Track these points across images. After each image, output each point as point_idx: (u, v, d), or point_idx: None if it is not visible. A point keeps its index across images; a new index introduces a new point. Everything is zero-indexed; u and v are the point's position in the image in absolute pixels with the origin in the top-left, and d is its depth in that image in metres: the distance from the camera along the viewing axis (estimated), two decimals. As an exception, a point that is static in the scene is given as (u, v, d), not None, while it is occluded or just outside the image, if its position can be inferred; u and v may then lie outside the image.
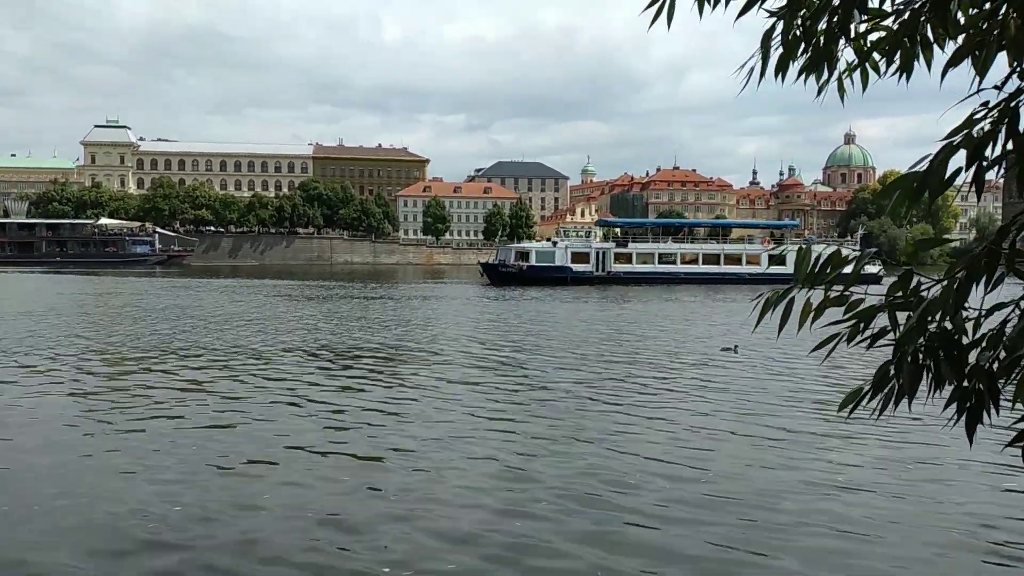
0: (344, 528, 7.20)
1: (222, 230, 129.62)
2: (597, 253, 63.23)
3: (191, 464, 9.20)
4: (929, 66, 2.63)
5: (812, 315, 2.61)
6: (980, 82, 2.42)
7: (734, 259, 65.43)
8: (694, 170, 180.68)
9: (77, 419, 11.59)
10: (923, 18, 2.54)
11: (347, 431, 10.91)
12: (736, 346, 19.21)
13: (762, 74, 2.81)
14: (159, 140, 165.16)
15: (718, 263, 64.83)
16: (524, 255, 62.86)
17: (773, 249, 66.46)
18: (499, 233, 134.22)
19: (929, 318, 2.42)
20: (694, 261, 64.88)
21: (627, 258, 63.86)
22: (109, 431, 10.84)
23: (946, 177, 2.31)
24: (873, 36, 2.71)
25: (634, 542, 6.87)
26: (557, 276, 59.65)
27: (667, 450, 9.91)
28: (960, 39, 2.54)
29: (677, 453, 9.78)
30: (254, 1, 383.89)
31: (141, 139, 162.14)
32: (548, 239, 74.07)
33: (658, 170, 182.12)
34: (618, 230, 71.78)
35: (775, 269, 63.79)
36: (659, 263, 64.07)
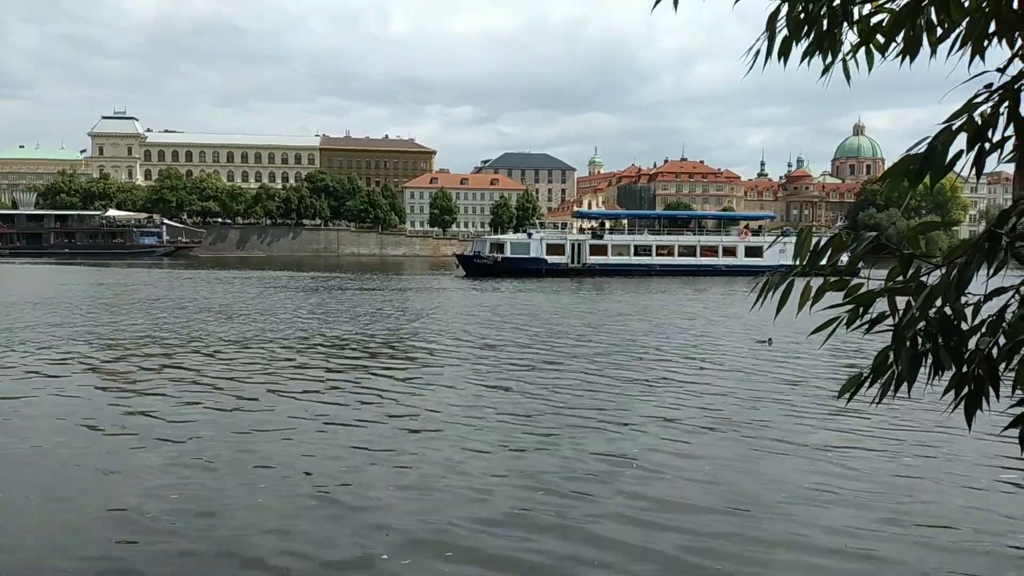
0: (348, 510, 7.23)
1: (229, 221, 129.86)
2: (572, 245, 62.99)
3: (191, 454, 9.25)
4: (934, 49, 2.61)
5: (811, 299, 2.60)
6: (971, 64, 2.40)
7: (710, 250, 64.98)
8: (702, 162, 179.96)
9: (79, 409, 11.66)
10: (925, 1, 2.52)
11: (356, 418, 10.95)
12: (770, 339, 18.95)
13: (767, 56, 2.79)
14: (166, 131, 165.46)
15: (694, 255, 64.40)
16: (499, 247, 62.77)
17: (750, 240, 66.33)
18: (505, 224, 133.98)
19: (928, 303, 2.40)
20: (670, 253, 64.46)
21: (602, 250, 63.43)
22: (111, 421, 10.91)
23: (947, 161, 2.30)
24: (877, 18, 2.69)
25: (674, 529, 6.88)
26: (532, 268, 59.47)
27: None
28: (964, 24, 2.51)
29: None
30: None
31: (148, 130, 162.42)
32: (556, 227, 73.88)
33: (666, 161, 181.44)
34: (595, 222, 71.60)
35: (752, 260, 63.69)
36: (635, 255, 63.64)
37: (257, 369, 15.23)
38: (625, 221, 73.87)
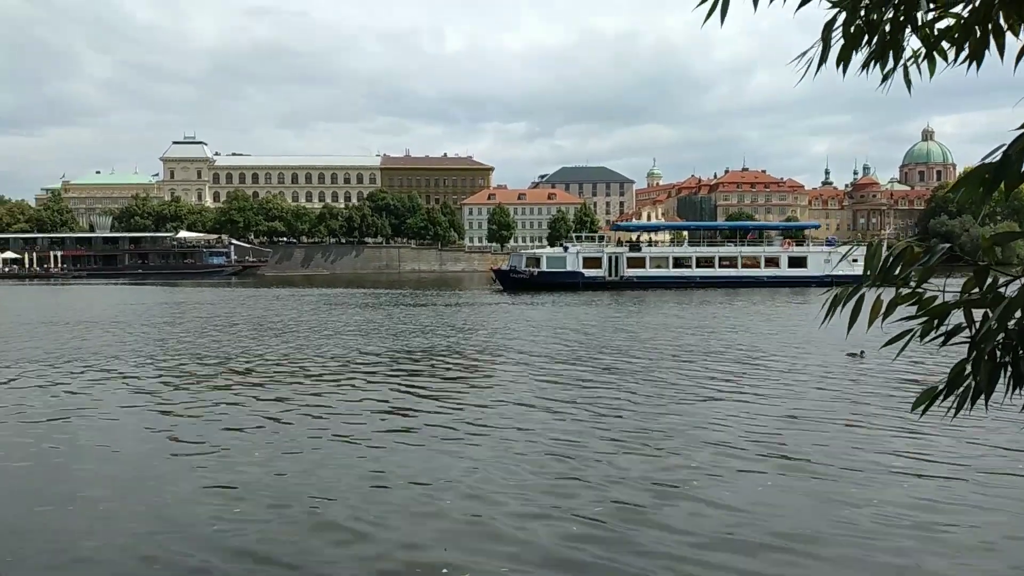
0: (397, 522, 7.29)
1: (294, 241, 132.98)
2: (609, 258, 62.05)
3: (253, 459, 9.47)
4: (1002, 54, 2.54)
5: (883, 312, 2.55)
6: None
7: (752, 262, 63.31)
8: (764, 171, 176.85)
9: (142, 419, 12.06)
10: (996, 3, 2.45)
11: (406, 425, 11.06)
12: (862, 351, 18.43)
13: (822, 61, 2.74)
14: (233, 154, 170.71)
15: (735, 266, 62.91)
16: (535, 261, 62.35)
17: (793, 251, 64.50)
18: (563, 238, 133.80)
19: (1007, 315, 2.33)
20: (710, 264, 62.93)
21: (640, 262, 62.37)
22: (181, 435, 11.25)
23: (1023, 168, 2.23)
24: (941, 24, 2.63)
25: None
26: (568, 282, 58.81)
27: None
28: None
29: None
30: (319, 17, 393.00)
31: (216, 154, 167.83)
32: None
33: (726, 171, 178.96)
34: (633, 235, 70.64)
35: (796, 271, 61.87)
36: (673, 267, 62.37)
37: (287, 386, 15.52)
38: (667, 234, 72.55)
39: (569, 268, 60.95)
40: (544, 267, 61.11)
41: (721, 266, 62.88)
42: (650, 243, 69.97)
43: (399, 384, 15.63)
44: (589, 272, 60.76)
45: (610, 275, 61.23)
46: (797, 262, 62.65)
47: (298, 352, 20.91)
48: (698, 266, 62.72)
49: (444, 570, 6.39)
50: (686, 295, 49.73)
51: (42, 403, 13.85)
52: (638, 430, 11.20)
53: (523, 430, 11.29)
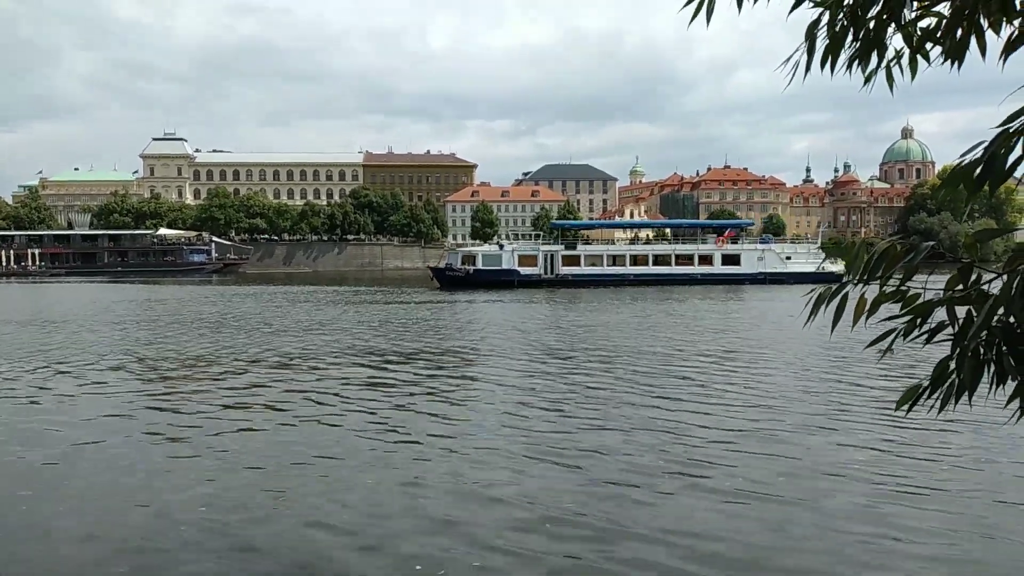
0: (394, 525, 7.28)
1: (276, 238, 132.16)
2: (545, 255, 62.02)
3: (232, 463, 9.41)
4: (983, 53, 2.55)
5: (867, 311, 2.55)
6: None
7: (686, 259, 63.46)
8: (746, 169, 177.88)
9: (124, 418, 11.95)
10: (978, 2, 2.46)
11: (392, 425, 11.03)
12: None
13: (808, 66, 2.75)
14: (214, 151, 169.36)
15: (669, 264, 63.08)
16: (471, 259, 62.10)
17: (727, 248, 64.86)
18: (545, 236, 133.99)
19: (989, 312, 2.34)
20: (644, 262, 63.18)
21: (575, 260, 62.36)
22: (160, 435, 11.16)
23: (1007, 167, 2.24)
24: (923, 23, 2.63)
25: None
26: (504, 280, 58.90)
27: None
28: (1016, 23, 2.45)
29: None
30: (304, 15, 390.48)
31: (197, 151, 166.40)
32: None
33: (708, 169, 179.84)
34: (570, 232, 70.85)
35: (729, 269, 62.33)
36: (608, 265, 62.47)
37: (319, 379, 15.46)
38: (626, 231, 72.23)
39: (505, 266, 60.86)
40: (480, 265, 60.89)
41: (655, 264, 63.11)
42: (586, 240, 69.77)
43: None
44: (525, 270, 60.67)
45: (545, 273, 61.16)
46: (731, 260, 63.06)
47: (249, 350, 20.79)
48: (632, 264, 62.90)
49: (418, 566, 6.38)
50: (620, 293, 49.41)
51: (23, 407, 13.68)
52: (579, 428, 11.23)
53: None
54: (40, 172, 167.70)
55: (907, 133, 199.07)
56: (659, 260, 63.41)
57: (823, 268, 58.16)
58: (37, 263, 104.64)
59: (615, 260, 62.97)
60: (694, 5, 2.76)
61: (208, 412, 12.69)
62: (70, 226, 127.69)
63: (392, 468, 9.33)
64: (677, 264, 62.90)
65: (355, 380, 15.83)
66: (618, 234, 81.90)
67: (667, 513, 7.66)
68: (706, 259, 63.27)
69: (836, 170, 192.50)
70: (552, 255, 62.15)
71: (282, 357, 19.48)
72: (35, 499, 8.28)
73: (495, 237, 78.66)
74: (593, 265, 62.32)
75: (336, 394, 14.19)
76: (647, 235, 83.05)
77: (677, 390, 14.30)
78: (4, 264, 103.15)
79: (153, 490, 8.58)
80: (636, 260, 63.25)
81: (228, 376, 16.59)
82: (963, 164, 2.30)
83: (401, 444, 10.45)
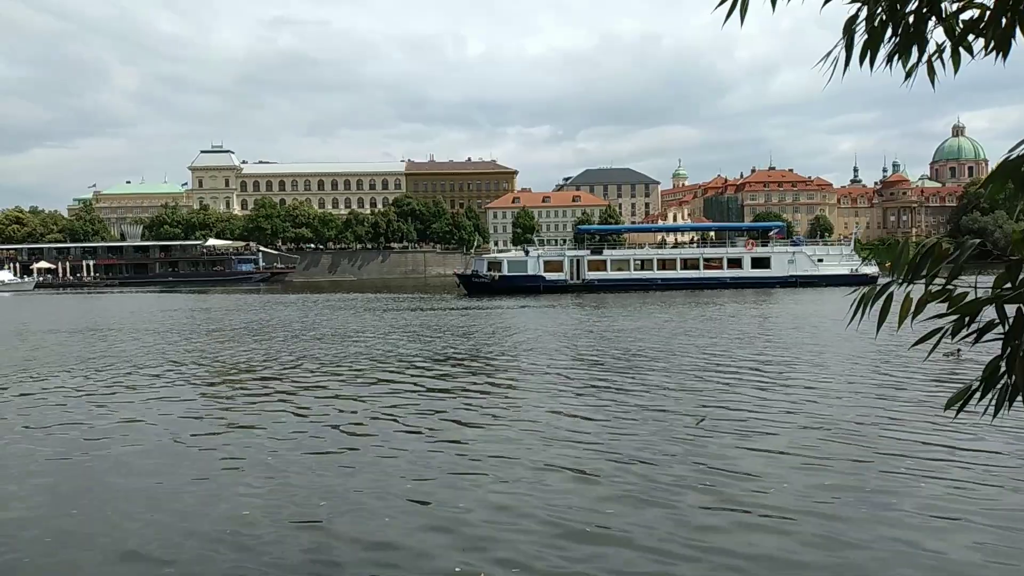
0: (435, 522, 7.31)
1: (321, 247, 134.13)
2: (571, 261, 61.52)
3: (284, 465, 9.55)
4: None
5: (913, 310, 2.49)
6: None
7: (715, 263, 62.37)
8: (791, 170, 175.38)
9: (173, 425, 12.20)
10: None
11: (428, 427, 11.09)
12: (959, 349, 17.67)
13: (847, 63, 2.70)
14: (260, 162, 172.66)
15: (698, 268, 62.06)
16: (497, 265, 61.80)
17: (756, 251, 63.49)
18: (586, 241, 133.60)
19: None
20: (672, 267, 62.24)
21: (602, 265, 61.71)
22: (215, 440, 11.37)
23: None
24: (966, 15, 2.57)
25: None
26: (530, 285, 58.52)
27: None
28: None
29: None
30: (340, 26, 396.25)
31: (244, 162, 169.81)
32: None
33: (753, 171, 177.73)
34: (597, 237, 69.86)
35: (758, 272, 61.18)
36: (635, 269, 61.69)
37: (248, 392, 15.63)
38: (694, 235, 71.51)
39: (530, 272, 60.59)
40: (505, 271, 60.70)
41: (684, 268, 62.32)
42: (614, 245, 69.29)
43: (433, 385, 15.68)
44: (550, 275, 60.33)
45: (572, 278, 60.77)
46: (760, 263, 61.89)
47: (310, 357, 21.05)
48: (660, 268, 62.10)
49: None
50: (647, 298, 48.79)
51: (85, 411, 14.07)
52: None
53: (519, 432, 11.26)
54: (93, 185, 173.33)
55: (958, 131, 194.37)
56: (687, 264, 62.76)
57: (856, 270, 56.45)
58: (92, 274, 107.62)
59: (642, 264, 62.39)
60: (727, 5, 2.73)
61: (260, 417, 12.90)
62: (123, 238, 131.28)
63: (422, 477, 9.38)
64: (705, 268, 62.23)
65: (386, 385, 15.96)
66: (669, 236, 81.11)
67: (713, 526, 7.56)
68: (735, 262, 62.27)
69: (884, 170, 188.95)
70: (578, 260, 61.88)
71: (333, 361, 19.72)
72: (72, 505, 8.49)
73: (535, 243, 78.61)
74: (620, 270, 61.84)
75: (379, 401, 14.31)
76: (691, 238, 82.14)
77: (717, 396, 14.13)
78: (60, 275, 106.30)
79: (220, 488, 8.74)
80: (664, 264, 62.57)
81: (272, 381, 16.85)
82: (1011, 158, 2.24)
83: (436, 450, 10.51)
